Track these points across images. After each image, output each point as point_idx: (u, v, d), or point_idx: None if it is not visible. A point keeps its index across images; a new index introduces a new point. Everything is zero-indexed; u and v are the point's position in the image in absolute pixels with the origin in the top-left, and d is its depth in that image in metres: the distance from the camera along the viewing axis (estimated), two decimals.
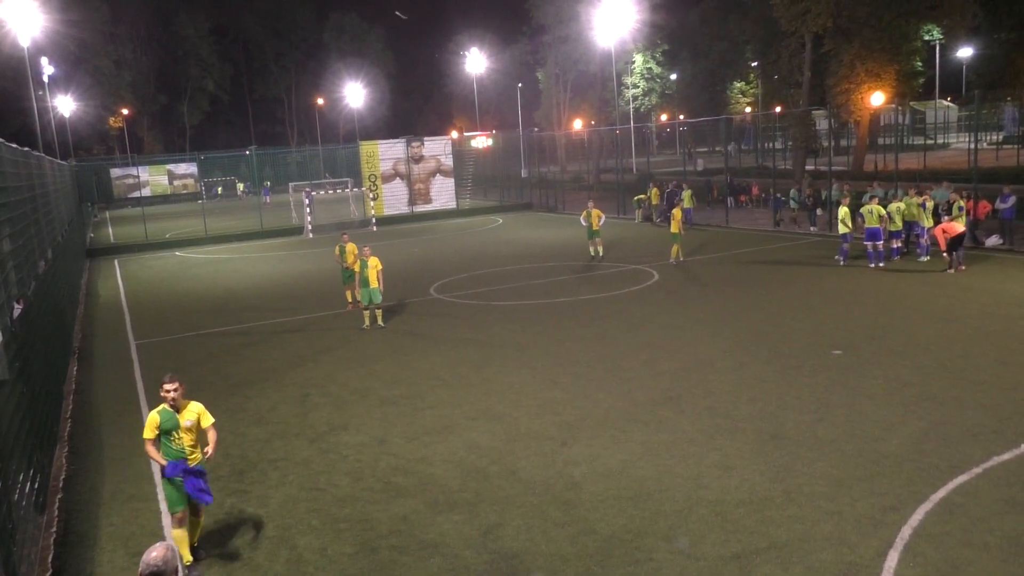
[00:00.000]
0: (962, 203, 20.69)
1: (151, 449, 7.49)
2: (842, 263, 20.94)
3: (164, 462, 7.46)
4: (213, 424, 7.71)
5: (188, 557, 7.55)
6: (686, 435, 10.01)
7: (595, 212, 24.34)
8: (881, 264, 20.35)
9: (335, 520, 8.43)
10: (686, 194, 31.49)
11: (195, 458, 7.56)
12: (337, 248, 19.08)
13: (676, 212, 23.34)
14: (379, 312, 17.43)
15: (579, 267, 23.49)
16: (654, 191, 33.86)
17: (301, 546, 7.94)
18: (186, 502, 7.51)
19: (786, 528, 7.58)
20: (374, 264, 16.82)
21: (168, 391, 7.45)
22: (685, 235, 23.52)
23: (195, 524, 7.77)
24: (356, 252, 18.77)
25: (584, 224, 24.86)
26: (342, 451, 10.33)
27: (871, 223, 20.29)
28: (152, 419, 7.47)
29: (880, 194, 23.42)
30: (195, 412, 7.60)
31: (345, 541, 7.97)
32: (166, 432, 7.46)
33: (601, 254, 24.57)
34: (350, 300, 19.22)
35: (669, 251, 23.23)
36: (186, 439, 7.51)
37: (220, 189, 71.80)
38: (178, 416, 7.49)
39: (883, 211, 20.35)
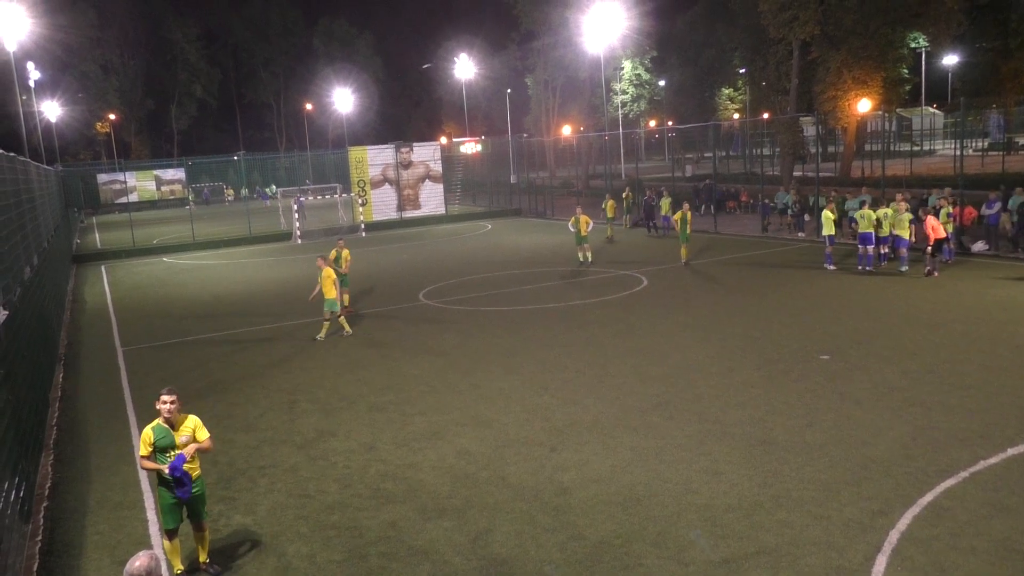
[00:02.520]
0: (950, 209, 20.86)
1: (148, 464, 7.32)
2: (831, 268, 21.05)
3: (165, 467, 7.25)
4: (209, 438, 7.56)
5: (178, 566, 7.53)
6: (675, 441, 10.02)
7: (583, 218, 24.44)
8: (868, 268, 20.50)
9: (324, 527, 8.39)
10: (664, 201, 31.18)
11: (192, 472, 7.43)
12: (333, 253, 18.93)
13: (678, 215, 23.63)
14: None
15: (568, 273, 23.52)
16: (610, 203, 31.23)
17: (290, 553, 7.89)
18: (179, 520, 7.45)
19: (775, 533, 7.59)
20: (328, 274, 16.68)
21: (165, 402, 7.28)
22: (664, 240, 23.63)
23: (201, 539, 7.69)
24: (349, 259, 18.92)
25: (572, 230, 24.97)
26: (331, 458, 10.28)
27: (865, 228, 20.46)
28: (146, 436, 7.30)
29: (867, 200, 23.65)
30: (191, 427, 7.43)
31: (334, 548, 7.93)
32: (162, 450, 7.29)
33: (590, 259, 24.63)
34: (345, 304, 19.14)
35: (658, 257, 23.34)
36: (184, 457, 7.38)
37: (191, 197, 69.85)
38: (174, 433, 7.33)
39: (873, 215, 20.51)
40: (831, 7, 40.64)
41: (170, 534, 7.45)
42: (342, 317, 17.26)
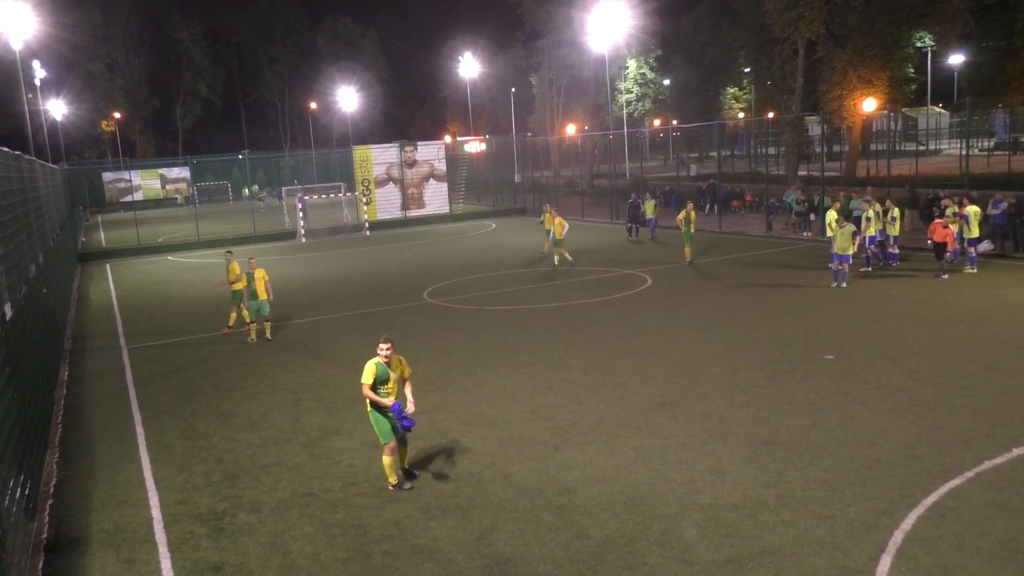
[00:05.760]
0: (956, 208, 20.79)
1: (370, 392, 8.83)
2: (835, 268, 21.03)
3: (388, 402, 8.82)
4: (411, 375, 9.19)
5: (393, 479, 9.05)
6: (679, 440, 10.01)
7: (558, 220, 23.90)
8: (877, 266, 20.50)
9: (328, 525, 8.40)
10: (649, 204, 30.32)
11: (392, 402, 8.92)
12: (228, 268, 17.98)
13: (682, 215, 23.51)
14: (267, 325, 17.09)
15: (571, 272, 23.50)
16: (548, 215, 28.05)
17: (294, 552, 7.90)
18: (395, 436, 8.94)
19: (779, 532, 7.59)
20: (260, 275, 16.57)
21: (383, 350, 8.84)
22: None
23: (403, 452, 9.28)
24: (239, 271, 17.61)
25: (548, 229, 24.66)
26: (335, 456, 10.30)
27: (865, 230, 20.47)
28: (371, 368, 8.82)
29: (869, 200, 23.64)
30: (400, 366, 9.01)
31: (338, 547, 7.94)
32: (382, 382, 8.85)
33: (557, 263, 24.11)
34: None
35: (662, 256, 23.33)
36: (392, 390, 8.92)
37: (180, 200, 67.48)
38: (390, 371, 8.87)
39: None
40: (837, 6, 40.53)
41: (389, 448, 8.96)
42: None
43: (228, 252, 18.52)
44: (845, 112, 42.37)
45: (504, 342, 15.67)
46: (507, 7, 65.42)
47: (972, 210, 19.88)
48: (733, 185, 41.66)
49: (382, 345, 8.90)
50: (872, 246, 20.71)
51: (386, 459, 9.07)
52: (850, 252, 18.85)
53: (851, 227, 19.04)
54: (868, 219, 20.54)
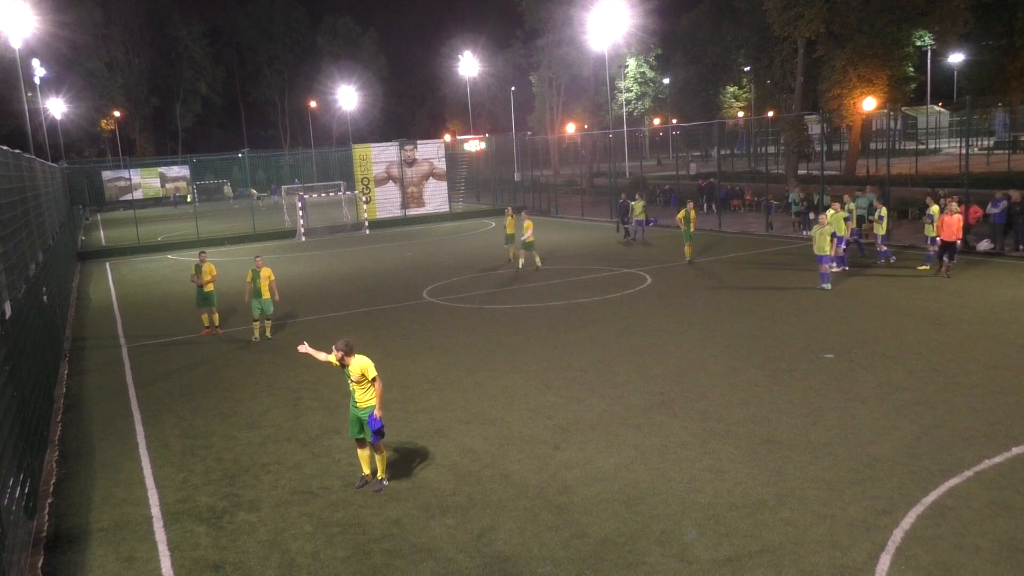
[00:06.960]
0: (955, 207, 20.77)
1: (321, 355, 9.47)
2: (835, 268, 21.00)
3: (321, 358, 9.44)
4: (375, 379, 9.01)
5: (365, 470, 9.33)
6: (679, 439, 10.02)
7: (527, 223, 23.63)
8: (844, 267, 20.67)
9: (328, 524, 8.40)
10: (637, 204, 29.69)
11: (362, 403, 9.02)
12: (193, 268, 17.97)
13: (682, 214, 23.46)
14: (268, 324, 17.19)
15: (571, 271, 23.50)
16: (510, 219, 26.77)
17: (293, 550, 7.90)
18: (358, 434, 9.15)
19: (778, 531, 7.59)
20: (267, 275, 16.63)
21: (332, 352, 9.12)
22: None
23: (381, 460, 9.25)
24: (214, 272, 17.69)
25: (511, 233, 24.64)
26: (334, 455, 10.30)
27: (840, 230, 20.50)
28: (331, 359, 9.25)
29: (873, 198, 23.66)
30: (358, 368, 8.98)
31: (338, 545, 7.95)
32: (347, 377, 9.15)
33: (539, 264, 23.98)
34: (207, 324, 18.04)
35: (662, 255, 23.32)
36: (354, 387, 9.05)
37: (188, 199, 66.97)
38: (346, 370, 9.07)
39: (827, 216, 20.43)
40: (836, 5, 40.49)
41: (357, 443, 9.30)
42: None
43: (202, 252, 18.66)
44: (845, 111, 42.34)
45: (504, 341, 15.66)
46: (507, 6, 65.48)
47: (935, 209, 20.08)
48: (733, 184, 41.65)
49: (335, 351, 9.05)
50: (842, 246, 20.45)
51: (359, 451, 9.38)
52: (828, 252, 18.58)
53: (830, 227, 18.88)
54: (847, 219, 20.54)
